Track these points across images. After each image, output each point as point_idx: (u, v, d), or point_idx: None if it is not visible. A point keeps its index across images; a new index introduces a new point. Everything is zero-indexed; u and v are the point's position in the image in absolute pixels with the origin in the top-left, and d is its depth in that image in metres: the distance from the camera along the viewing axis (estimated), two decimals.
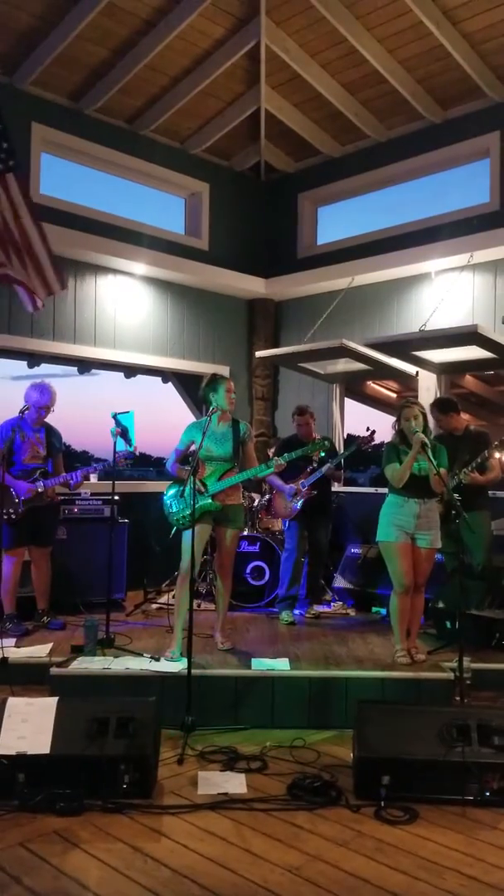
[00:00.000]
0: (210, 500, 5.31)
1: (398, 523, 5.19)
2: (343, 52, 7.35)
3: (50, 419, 6.12)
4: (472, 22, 6.79)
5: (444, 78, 7.48)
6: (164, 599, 6.88)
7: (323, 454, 6.35)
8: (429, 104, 7.83)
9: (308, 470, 6.52)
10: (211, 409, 5.33)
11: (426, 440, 5.04)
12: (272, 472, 5.59)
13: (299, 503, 6.43)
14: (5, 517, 5.71)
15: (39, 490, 5.88)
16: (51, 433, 6.12)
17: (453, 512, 4.79)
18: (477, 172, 7.86)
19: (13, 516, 5.76)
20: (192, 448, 5.42)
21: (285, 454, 5.69)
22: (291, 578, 6.52)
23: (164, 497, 5.59)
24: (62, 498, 6.52)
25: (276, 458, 5.58)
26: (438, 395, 7.76)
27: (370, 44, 7.16)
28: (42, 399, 5.93)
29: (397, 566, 5.17)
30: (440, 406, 6.30)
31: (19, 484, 5.83)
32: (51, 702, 3.88)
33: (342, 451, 7.24)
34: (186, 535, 5.25)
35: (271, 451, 7.59)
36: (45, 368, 7.80)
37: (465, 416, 6.42)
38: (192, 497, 4.99)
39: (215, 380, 5.46)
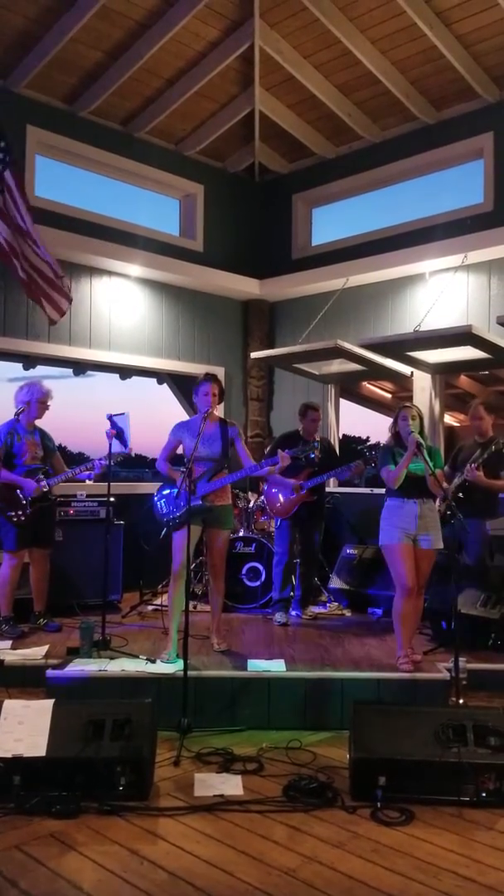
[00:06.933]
0: (199, 502, 5.29)
1: (400, 525, 5.14)
2: (337, 54, 7.37)
3: (44, 419, 6.14)
4: (466, 23, 6.81)
5: (437, 79, 7.51)
6: (159, 601, 6.88)
7: (312, 455, 6.29)
8: (422, 105, 7.85)
9: (308, 471, 6.48)
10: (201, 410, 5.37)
11: (421, 441, 5.05)
12: (264, 473, 5.58)
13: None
14: (14, 519, 5.72)
15: (45, 489, 5.89)
16: (44, 435, 6.15)
17: (449, 513, 4.79)
18: (470, 173, 7.89)
19: (22, 518, 5.77)
20: (180, 448, 5.43)
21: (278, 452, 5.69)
22: (283, 581, 6.53)
23: (154, 498, 5.59)
24: (60, 499, 6.52)
25: (266, 460, 5.62)
26: (433, 396, 7.79)
27: (364, 45, 7.18)
28: (34, 393, 5.97)
29: (400, 568, 5.11)
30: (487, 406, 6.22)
31: (27, 483, 5.84)
32: (47, 704, 3.88)
33: (339, 453, 7.20)
34: (177, 536, 5.25)
35: (268, 450, 7.58)
36: (40, 370, 7.81)
37: (461, 416, 6.40)
38: (188, 499, 4.98)
39: (203, 379, 5.48)
